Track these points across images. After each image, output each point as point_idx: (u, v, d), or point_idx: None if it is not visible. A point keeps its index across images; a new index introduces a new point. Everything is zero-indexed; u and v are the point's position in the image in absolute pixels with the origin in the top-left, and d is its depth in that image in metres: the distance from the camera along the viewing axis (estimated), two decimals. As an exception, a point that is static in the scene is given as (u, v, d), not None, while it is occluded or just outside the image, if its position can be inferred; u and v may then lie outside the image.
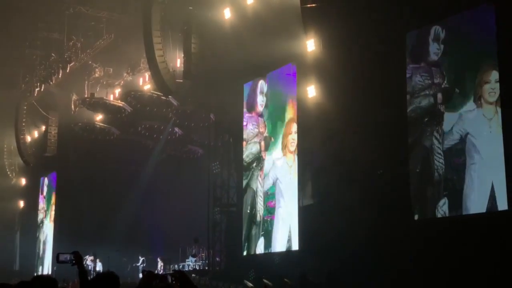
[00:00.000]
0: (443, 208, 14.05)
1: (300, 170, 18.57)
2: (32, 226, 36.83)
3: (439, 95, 14.50)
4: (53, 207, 34.86)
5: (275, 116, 19.95)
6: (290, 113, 19.15)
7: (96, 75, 27.82)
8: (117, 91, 28.11)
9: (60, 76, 27.81)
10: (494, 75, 13.24)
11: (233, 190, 21.83)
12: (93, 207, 29.88)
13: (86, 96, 27.96)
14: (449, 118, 14.23)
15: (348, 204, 15.93)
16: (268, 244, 19.47)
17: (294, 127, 18.87)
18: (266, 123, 20.25)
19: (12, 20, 25.77)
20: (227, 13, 20.28)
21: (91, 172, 30.64)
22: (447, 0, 14.31)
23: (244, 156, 20.97)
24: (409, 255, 14.25)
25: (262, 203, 19.91)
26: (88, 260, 26.32)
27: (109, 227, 29.06)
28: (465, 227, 13.51)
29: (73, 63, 26.96)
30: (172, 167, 29.02)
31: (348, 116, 16.16)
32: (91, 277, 6.31)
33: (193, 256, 23.47)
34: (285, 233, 18.82)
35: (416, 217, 14.90)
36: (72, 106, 28.96)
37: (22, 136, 32.95)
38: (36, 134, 34.22)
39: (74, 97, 28.89)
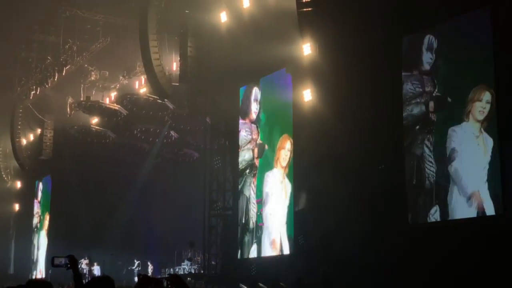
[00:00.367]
0: (434, 216, 14.08)
1: (295, 174, 18.56)
2: (27, 230, 36.73)
3: (431, 104, 14.54)
4: (48, 211, 34.79)
5: (269, 123, 19.94)
6: (285, 125, 19.07)
7: (92, 78, 27.81)
8: (113, 94, 28.08)
9: (56, 79, 27.80)
10: (487, 95, 13.26)
11: (229, 193, 21.81)
12: (89, 210, 29.81)
13: (82, 99, 27.93)
14: (440, 127, 14.26)
15: (342, 208, 15.94)
16: (262, 250, 19.43)
17: (288, 144, 18.82)
18: (259, 130, 20.24)
19: (8, 23, 25.75)
20: (223, 17, 20.30)
21: (86, 175, 30.59)
22: (443, 5, 14.31)
23: (239, 159, 20.98)
24: (402, 258, 14.26)
25: (255, 210, 19.89)
26: (83, 263, 26.27)
27: (104, 230, 29.01)
28: (455, 232, 13.54)
29: (69, 66, 26.95)
30: (168, 170, 29.02)
31: (343, 119, 16.17)
32: (86, 280, 6.29)
33: (189, 259, 23.42)
34: (277, 239, 18.81)
35: (409, 222, 14.92)
36: (68, 109, 28.92)
37: (17, 139, 32.88)
38: (31, 137, 34.16)
39: (70, 100, 28.85)
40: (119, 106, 27.30)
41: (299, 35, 16.88)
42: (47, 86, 28.72)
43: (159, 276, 20.64)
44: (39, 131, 32.61)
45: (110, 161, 29.29)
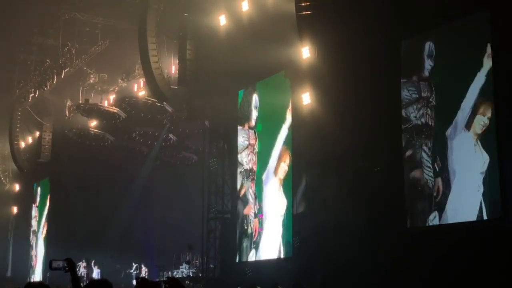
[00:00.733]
0: (433, 222, 14.05)
1: (293, 176, 18.54)
2: (25, 232, 36.67)
3: (427, 110, 14.53)
4: (46, 214, 34.74)
5: (267, 127, 19.90)
6: (283, 129, 19.03)
7: (91, 81, 27.78)
8: (112, 97, 28.06)
9: (54, 82, 27.78)
10: (489, 112, 13.25)
11: (227, 197, 21.79)
12: (87, 213, 29.78)
13: (80, 102, 27.91)
14: (437, 133, 14.25)
15: (340, 212, 15.93)
16: (261, 255, 19.38)
17: (287, 160, 18.77)
18: (257, 135, 20.20)
19: (7, 26, 25.74)
20: (222, 20, 20.30)
21: (85, 178, 30.56)
22: (442, 9, 14.32)
23: (237, 165, 20.96)
24: (400, 262, 14.25)
25: (253, 215, 19.87)
26: (81, 266, 26.23)
27: (102, 233, 28.96)
28: (454, 236, 13.52)
29: (68, 69, 26.93)
30: (166, 173, 28.98)
31: (342, 123, 16.16)
32: (84, 283, 6.27)
33: (187, 263, 23.38)
34: (275, 243, 18.78)
35: (408, 227, 14.89)
36: (67, 112, 28.90)
37: (16, 142, 32.83)
38: (30, 140, 34.12)
39: (69, 103, 28.83)
40: (117, 109, 27.28)
41: (298, 39, 16.89)
42: (45, 88, 28.70)
43: (157, 280, 20.65)
44: (37, 134, 32.59)
45: (108, 164, 29.26)
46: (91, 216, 29.55)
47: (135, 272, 26.33)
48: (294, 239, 18.15)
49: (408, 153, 14.93)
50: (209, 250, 22.03)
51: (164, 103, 24.71)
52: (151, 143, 28.64)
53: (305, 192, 18.04)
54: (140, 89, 26.65)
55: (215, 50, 20.90)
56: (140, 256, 27.32)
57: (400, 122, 15.24)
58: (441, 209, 13.92)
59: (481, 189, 13.11)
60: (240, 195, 20.65)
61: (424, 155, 14.48)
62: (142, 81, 25.99)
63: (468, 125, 13.62)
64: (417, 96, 14.81)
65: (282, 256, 18.58)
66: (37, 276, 34.09)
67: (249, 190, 20.24)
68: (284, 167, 18.94)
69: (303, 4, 16.32)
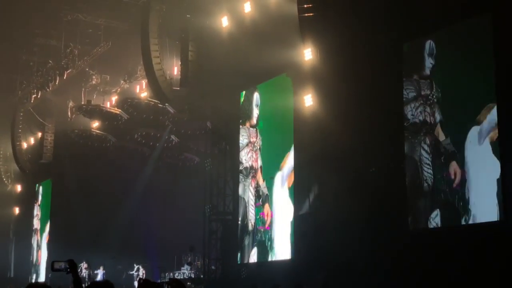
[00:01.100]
0: (435, 220, 14.04)
1: (296, 178, 18.55)
2: (27, 233, 36.70)
3: (428, 108, 14.54)
4: (48, 215, 34.76)
5: (269, 128, 19.89)
6: (286, 130, 19.02)
7: (93, 82, 27.81)
8: (114, 98, 28.08)
9: (57, 83, 27.81)
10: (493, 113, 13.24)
11: (229, 198, 21.79)
12: (89, 214, 29.78)
13: (82, 103, 27.93)
14: (439, 131, 14.23)
15: (342, 213, 15.93)
16: (262, 254, 19.37)
17: (290, 160, 18.74)
18: (259, 132, 20.20)
19: (9, 27, 25.77)
20: (224, 21, 20.32)
21: (87, 179, 30.57)
22: (444, 11, 14.33)
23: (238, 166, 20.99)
24: (403, 263, 14.24)
25: (253, 212, 19.88)
26: (83, 268, 26.24)
27: (104, 234, 28.96)
28: (459, 237, 13.50)
29: (70, 70, 26.96)
30: (168, 174, 28.98)
31: (344, 124, 16.17)
32: (86, 285, 6.29)
33: (189, 264, 23.39)
34: (280, 244, 18.79)
35: (410, 227, 14.88)
36: (69, 113, 28.94)
37: (18, 143, 32.86)
38: (32, 140, 34.16)
39: (71, 104, 28.86)
40: (120, 110, 27.30)
41: (300, 40, 16.92)
42: (48, 89, 28.73)
43: (159, 281, 20.65)
44: (39, 134, 32.62)
45: (110, 165, 29.26)
46: (92, 217, 29.55)
47: (136, 273, 26.33)
48: (295, 240, 18.14)
49: (407, 151, 14.96)
50: (211, 252, 22.03)
51: (166, 104, 24.71)
52: (153, 144, 28.63)
53: (307, 193, 18.03)
54: (142, 90, 26.67)
55: (217, 52, 20.92)
56: (141, 257, 27.31)
57: (402, 122, 15.25)
58: (443, 207, 13.86)
59: (495, 190, 13.06)
60: (240, 193, 20.67)
61: (423, 152, 14.50)
62: (144, 82, 26.01)
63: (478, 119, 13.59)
64: (415, 94, 14.86)
65: (283, 258, 18.57)
66: (38, 276, 34.11)
67: (249, 187, 20.25)
68: (287, 171, 18.97)
69: (305, 6, 16.35)
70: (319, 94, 17.14)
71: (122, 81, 27.47)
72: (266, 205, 19.46)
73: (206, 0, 20.80)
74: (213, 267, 22.18)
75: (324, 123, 16.73)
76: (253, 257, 19.76)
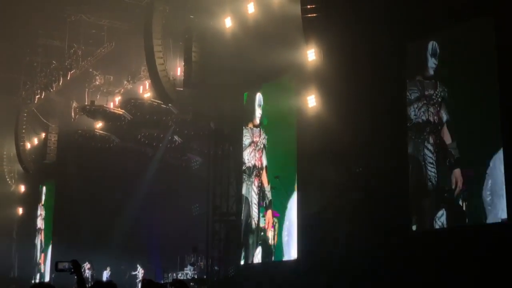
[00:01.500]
0: (441, 219, 14.01)
1: (299, 178, 18.54)
2: (31, 233, 36.75)
3: (431, 108, 14.53)
4: (51, 215, 34.81)
5: (273, 129, 19.87)
6: (289, 130, 19.00)
7: (97, 82, 27.85)
8: (117, 99, 28.12)
9: (60, 84, 27.84)
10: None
11: (232, 199, 21.78)
12: (92, 215, 29.82)
13: (86, 103, 27.97)
14: (446, 131, 14.20)
15: (346, 214, 15.93)
16: (266, 254, 19.36)
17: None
18: (263, 131, 20.18)
19: (13, 27, 25.81)
20: (228, 22, 20.33)
21: (90, 180, 30.60)
22: (447, 12, 14.32)
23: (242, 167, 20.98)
24: (407, 263, 14.23)
25: (257, 211, 19.87)
26: (86, 268, 26.29)
27: (107, 234, 29.01)
28: (465, 238, 13.46)
29: (74, 70, 26.99)
30: (171, 175, 29.00)
31: (348, 125, 16.16)
32: (89, 285, 6.30)
33: (192, 264, 23.40)
34: (284, 244, 18.78)
35: (414, 227, 14.86)
36: (72, 114, 28.98)
37: (22, 143, 32.91)
38: (36, 141, 34.21)
39: (74, 104, 28.91)
40: (123, 110, 27.33)
41: (304, 41, 16.91)
42: (51, 90, 28.77)
43: (162, 281, 20.66)
44: (43, 135, 32.66)
45: (113, 165, 29.30)
46: (96, 218, 29.59)
47: (137, 273, 26.39)
48: (300, 242, 18.13)
49: (410, 151, 14.95)
50: (214, 252, 22.03)
51: (169, 105, 24.73)
52: (156, 145, 28.67)
53: (311, 194, 18.02)
54: (145, 91, 26.69)
55: (221, 52, 20.93)
56: (144, 258, 27.35)
57: (405, 122, 15.24)
58: (449, 207, 13.82)
59: (495, 189, 13.03)
60: (243, 192, 20.65)
61: (427, 152, 14.49)
62: (147, 83, 26.02)
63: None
64: (418, 95, 14.86)
65: (288, 258, 18.56)
66: (42, 277, 34.15)
67: (252, 186, 20.24)
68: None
69: (308, 6, 16.34)
70: (322, 95, 17.14)
71: (125, 82, 27.50)
72: (269, 211, 19.42)
73: (209, 0, 20.81)
74: (216, 268, 22.18)
75: (327, 124, 16.71)
76: (257, 256, 19.73)
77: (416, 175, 14.72)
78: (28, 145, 33.81)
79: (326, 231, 16.75)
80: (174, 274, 23.75)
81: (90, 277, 26.07)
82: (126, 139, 29.06)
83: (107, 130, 29.04)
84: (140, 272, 26.32)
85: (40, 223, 36.35)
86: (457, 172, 13.77)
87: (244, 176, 20.74)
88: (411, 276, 14.08)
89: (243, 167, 20.79)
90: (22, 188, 38.75)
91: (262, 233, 19.56)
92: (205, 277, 22.52)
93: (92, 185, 30.52)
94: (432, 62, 14.72)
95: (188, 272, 23.28)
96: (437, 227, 14.21)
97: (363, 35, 15.87)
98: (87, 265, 26.80)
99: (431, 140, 14.45)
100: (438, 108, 14.40)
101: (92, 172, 30.39)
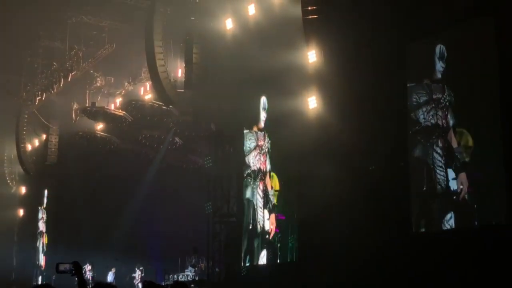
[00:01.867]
0: (449, 222, 13.95)
1: (301, 181, 18.51)
2: (31, 235, 36.75)
3: (439, 111, 14.49)
4: (52, 216, 34.82)
5: (275, 131, 19.84)
6: (290, 132, 18.93)
7: (97, 84, 27.89)
8: (118, 100, 28.14)
9: (61, 85, 27.86)
10: None
11: (233, 200, 21.78)
12: (92, 216, 29.83)
13: (87, 105, 28.00)
14: (452, 136, 14.16)
15: (347, 216, 15.90)
16: (272, 256, 19.29)
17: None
18: (267, 136, 20.12)
19: (14, 29, 25.84)
20: (228, 24, 20.33)
21: (91, 181, 30.63)
22: (447, 12, 14.30)
23: (243, 168, 20.93)
24: (410, 266, 14.22)
25: (262, 214, 19.82)
26: (86, 270, 26.29)
27: (108, 236, 29.00)
28: (472, 240, 13.39)
29: (75, 72, 27.02)
30: (172, 176, 29.01)
31: (348, 126, 16.15)
32: (90, 286, 6.30)
33: (192, 266, 23.39)
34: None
35: (422, 230, 14.78)
36: (73, 115, 29.01)
37: (22, 145, 32.95)
38: (36, 142, 34.24)
39: (75, 106, 28.93)
40: (124, 112, 27.35)
41: (304, 42, 16.90)
42: (52, 91, 28.79)
43: (163, 283, 20.58)
44: (44, 136, 32.70)
45: (114, 167, 29.30)
46: (96, 219, 29.59)
47: (142, 275, 26.39)
48: (300, 244, 18.11)
49: (419, 154, 14.87)
50: (214, 254, 22.03)
51: (170, 106, 24.74)
52: (157, 146, 28.69)
53: (311, 195, 17.99)
54: (146, 93, 26.71)
55: (221, 54, 20.93)
56: (145, 259, 27.35)
57: (407, 124, 15.22)
58: (457, 210, 13.77)
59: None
60: (248, 196, 20.60)
61: (436, 155, 14.43)
62: (148, 85, 26.05)
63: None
64: (427, 98, 14.76)
65: (288, 260, 18.55)
66: (43, 279, 34.14)
67: (257, 190, 20.19)
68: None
69: (309, 8, 16.34)
70: (323, 96, 17.12)
71: (126, 83, 27.54)
72: (272, 215, 19.40)
73: (210, 2, 20.83)
74: (217, 269, 22.17)
75: (328, 125, 16.70)
76: (262, 259, 19.69)
77: (425, 178, 14.63)
78: (29, 147, 33.84)
79: (325, 234, 16.71)
80: (175, 276, 23.75)
81: (90, 279, 26.06)
82: (126, 140, 29.08)
83: (108, 131, 29.05)
84: (138, 275, 26.33)
85: (42, 226, 36.33)
86: (463, 176, 13.73)
87: (249, 180, 20.65)
88: (413, 278, 14.06)
89: (249, 171, 20.71)
90: (23, 190, 38.76)
91: (267, 236, 19.53)
92: (205, 278, 22.51)
93: (93, 186, 30.53)
94: (439, 66, 14.64)
95: (189, 274, 23.28)
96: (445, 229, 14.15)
97: (364, 36, 15.85)
98: (87, 267, 26.80)
99: (440, 144, 14.38)
100: (446, 112, 14.35)
101: (92, 174, 30.41)
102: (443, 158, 14.24)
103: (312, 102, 17.33)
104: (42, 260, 35.37)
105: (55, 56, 28.27)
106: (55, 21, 25.94)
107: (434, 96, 14.59)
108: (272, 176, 19.76)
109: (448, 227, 13.98)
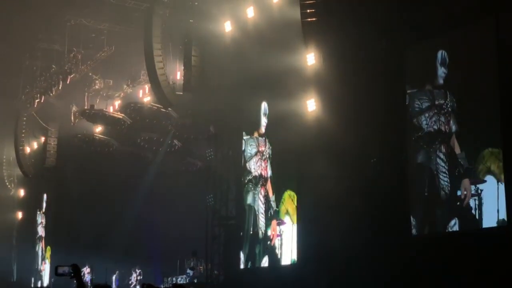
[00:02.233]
0: (453, 228, 13.90)
1: (298, 183, 18.51)
2: (30, 238, 36.72)
3: (442, 117, 14.47)
4: (51, 219, 34.79)
5: (275, 136, 19.82)
6: (289, 137, 18.90)
7: (96, 86, 27.87)
8: (117, 103, 28.13)
9: (60, 88, 27.85)
10: None
11: (232, 203, 21.77)
12: (91, 219, 29.81)
13: (86, 107, 27.99)
14: (455, 142, 14.15)
15: (346, 220, 15.90)
16: (273, 262, 19.23)
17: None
18: (268, 142, 20.07)
19: (12, 31, 25.83)
20: (227, 26, 20.34)
21: (90, 184, 30.61)
22: (447, 16, 14.31)
23: (245, 174, 20.89)
24: (407, 269, 14.22)
25: (263, 220, 19.77)
26: (85, 272, 26.28)
27: (107, 239, 28.98)
28: (476, 242, 13.37)
29: (73, 74, 27.00)
30: (170, 179, 28.98)
31: (347, 130, 16.15)
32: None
33: (191, 269, 23.37)
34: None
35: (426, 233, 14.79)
36: (72, 118, 28.98)
37: (21, 147, 32.91)
38: (35, 145, 34.21)
39: (74, 108, 28.91)
40: (122, 114, 27.35)
41: (303, 45, 16.90)
42: (51, 94, 28.78)
43: (162, 286, 20.55)
44: (43, 139, 32.66)
45: (113, 169, 29.29)
46: (95, 221, 29.58)
47: (139, 277, 26.37)
48: (299, 246, 18.09)
49: (422, 160, 14.83)
50: (213, 256, 22.01)
51: (169, 109, 24.74)
52: (156, 149, 28.67)
53: (311, 199, 18.00)
54: (145, 95, 26.71)
55: (220, 56, 20.94)
56: (144, 262, 27.32)
57: (405, 127, 15.22)
58: (461, 215, 13.75)
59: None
60: (249, 201, 20.55)
61: (439, 161, 14.39)
62: (147, 87, 26.05)
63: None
64: (429, 104, 14.73)
65: (288, 263, 18.54)
66: (43, 282, 34.12)
67: (258, 196, 20.15)
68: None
69: (308, 10, 16.34)
70: (322, 99, 17.13)
71: (125, 86, 27.53)
72: (274, 221, 19.37)
73: (209, 5, 20.84)
74: (215, 272, 22.15)
75: (326, 128, 16.70)
76: (264, 265, 19.64)
77: (428, 184, 14.58)
78: (28, 149, 33.81)
79: (325, 238, 16.71)
80: (174, 279, 23.73)
81: (89, 282, 26.04)
82: (125, 143, 29.06)
83: (107, 134, 29.04)
84: (134, 277, 26.31)
85: (41, 231, 36.27)
86: (466, 182, 13.71)
87: (251, 186, 20.59)
88: (412, 280, 14.06)
89: (250, 177, 20.65)
90: (22, 193, 38.73)
91: (268, 242, 19.49)
92: (204, 281, 22.49)
93: (92, 189, 30.51)
94: (441, 71, 14.61)
95: (188, 276, 23.25)
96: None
97: (363, 39, 15.86)
98: (86, 269, 26.78)
99: (443, 150, 14.33)
100: (449, 118, 14.32)
101: (91, 176, 30.39)
102: (447, 164, 14.19)
103: (311, 105, 17.34)
104: (41, 265, 35.31)
105: (54, 58, 28.26)
106: (54, 23, 25.93)
107: (436, 102, 14.55)
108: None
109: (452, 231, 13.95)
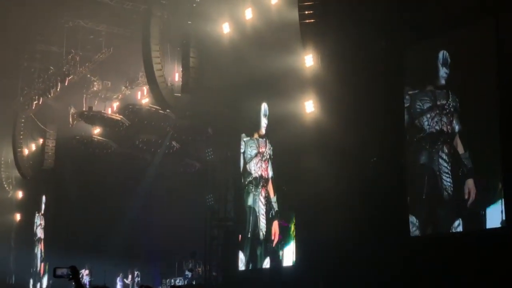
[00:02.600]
0: (457, 229, 13.87)
1: (297, 184, 18.49)
2: (28, 240, 36.67)
3: (444, 118, 14.46)
4: (49, 221, 34.74)
5: (275, 137, 19.79)
6: (289, 138, 18.86)
7: (95, 88, 27.83)
8: (115, 104, 28.10)
9: (58, 89, 27.78)
10: None
11: (230, 204, 21.76)
12: (90, 221, 29.78)
13: (84, 109, 27.95)
14: (458, 142, 14.14)
15: (344, 221, 15.90)
16: (274, 263, 19.20)
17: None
18: (268, 143, 20.03)
19: (11, 33, 25.79)
20: (226, 28, 20.34)
21: (88, 185, 30.58)
22: (446, 17, 14.32)
23: (245, 175, 20.86)
24: (407, 269, 14.22)
25: (264, 222, 19.74)
26: (84, 274, 26.24)
27: (105, 240, 28.95)
28: (478, 242, 13.36)
29: (72, 76, 26.93)
30: (169, 181, 28.96)
31: (346, 131, 16.15)
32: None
33: (190, 270, 23.35)
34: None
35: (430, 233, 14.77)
36: (70, 119, 28.93)
37: (19, 149, 32.86)
38: (33, 147, 34.17)
39: (72, 110, 28.86)
40: (121, 116, 27.31)
41: (302, 47, 16.91)
42: (49, 96, 28.72)
43: (161, 287, 20.43)
44: (41, 141, 32.63)
45: (111, 171, 29.27)
46: (94, 223, 29.54)
47: (137, 279, 26.34)
48: (297, 247, 18.08)
49: (424, 161, 14.81)
50: (212, 258, 21.99)
51: (167, 110, 24.72)
52: (154, 151, 28.62)
53: (309, 200, 17.99)
54: (143, 97, 26.68)
55: (219, 58, 20.95)
56: (143, 264, 27.29)
57: (404, 127, 15.21)
58: (465, 216, 13.73)
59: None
60: (249, 203, 20.52)
61: (441, 161, 14.38)
62: (145, 89, 26.02)
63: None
64: (430, 105, 14.73)
65: (286, 264, 18.52)
66: (41, 284, 34.07)
67: (259, 197, 20.13)
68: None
69: (306, 12, 16.34)
70: (320, 100, 17.13)
71: (123, 87, 27.49)
72: (275, 222, 19.35)
73: (207, 6, 20.83)
74: (214, 273, 22.14)
75: (325, 129, 16.71)
76: (265, 266, 19.62)
77: (431, 185, 14.56)
78: (26, 151, 33.76)
79: (323, 239, 16.70)
80: (172, 280, 23.71)
81: (88, 284, 26.00)
82: (124, 145, 29.03)
83: (105, 136, 29.01)
84: (130, 280, 26.27)
85: (40, 233, 36.21)
86: (470, 182, 13.69)
87: (251, 187, 20.58)
88: (411, 280, 14.06)
89: (250, 178, 20.64)
90: (20, 194, 38.68)
91: (269, 244, 19.47)
92: (203, 282, 22.47)
93: (90, 191, 30.48)
94: (443, 72, 14.60)
95: (186, 278, 23.23)
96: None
97: (361, 40, 15.88)
98: (85, 271, 26.74)
99: (445, 150, 14.32)
100: (451, 118, 14.31)
101: (90, 178, 30.36)
102: (449, 165, 14.17)
103: (309, 106, 17.34)
104: (40, 266, 35.25)
105: (52, 60, 28.20)
106: (52, 25, 25.86)
107: (438, 103, 14.54)
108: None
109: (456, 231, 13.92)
